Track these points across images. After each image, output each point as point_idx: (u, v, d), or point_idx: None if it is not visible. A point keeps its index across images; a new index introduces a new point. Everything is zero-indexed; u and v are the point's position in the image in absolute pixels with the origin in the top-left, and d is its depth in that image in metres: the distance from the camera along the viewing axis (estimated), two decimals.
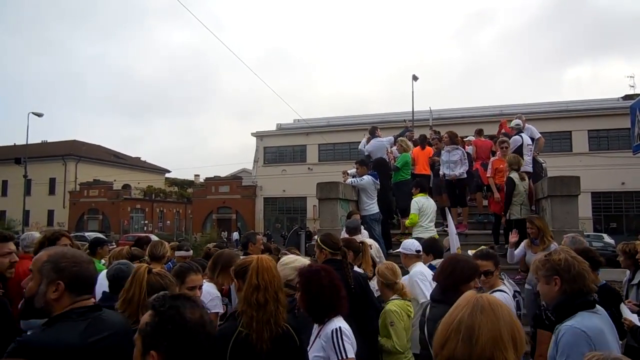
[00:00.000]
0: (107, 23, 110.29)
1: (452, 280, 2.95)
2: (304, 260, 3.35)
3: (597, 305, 2.41)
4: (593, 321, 2.27)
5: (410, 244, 4.84)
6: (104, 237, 9.13)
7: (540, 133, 10.25)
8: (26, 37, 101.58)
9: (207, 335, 1.51)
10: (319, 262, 4.09)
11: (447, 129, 10.26)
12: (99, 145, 54.40)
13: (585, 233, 25.90)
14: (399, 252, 4.89)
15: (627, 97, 32.65)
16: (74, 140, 51.21)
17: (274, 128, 42.24)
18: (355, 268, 4.34)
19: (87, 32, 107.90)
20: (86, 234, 32.39)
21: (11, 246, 3.20)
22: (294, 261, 3.20)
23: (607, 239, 23.63)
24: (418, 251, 4.77)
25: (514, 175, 7.57)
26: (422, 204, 7.62)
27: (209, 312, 2.05)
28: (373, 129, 10.61)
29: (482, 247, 4.97)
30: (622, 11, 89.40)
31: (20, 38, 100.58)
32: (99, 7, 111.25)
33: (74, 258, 1.98)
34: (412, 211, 7.70)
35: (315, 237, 13.73)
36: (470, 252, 4.33)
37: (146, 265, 2.59)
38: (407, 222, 7.93)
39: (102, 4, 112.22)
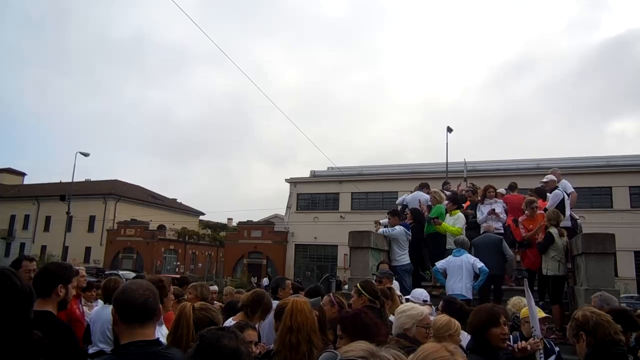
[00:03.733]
0: (151, 67, 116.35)
1: (474, 327, 3.04)
2: (422, 308, 3.34)
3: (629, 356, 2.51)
4: None
5: (419, 293, 5.06)
6: (143, 275, 9.53)
7: (579, 188, 10.12)
8: (74, 79, 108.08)
9: None
10: (354, 307, 4.16)
11: (482, 182, 10.27)
12: (138, 186, 56.25)
13: (629, 294, 24.73)
14: (408, 298, 5.02)
15: None
16: (115, 180, 53.19)
17: (307, 175, 42.82)
18: (390, 317, 4.38)
19: (131, 76, 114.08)
20: (120, 272, 33.08)
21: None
22: (410, 309, 3.19)
23: None
24: (425, 300, 4.84)
25: (554, 231, 7.49)
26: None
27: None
28: (424, 184, 10.88)
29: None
30: None
31: (68, 80, 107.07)
32: (143, 52, 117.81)
33: (127, 286, 2.13)
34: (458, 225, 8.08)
35: (345, 286, 13.66)
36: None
37: (190, 304, 2.69)
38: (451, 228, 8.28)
39: (146, 49, 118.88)
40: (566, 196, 8.99)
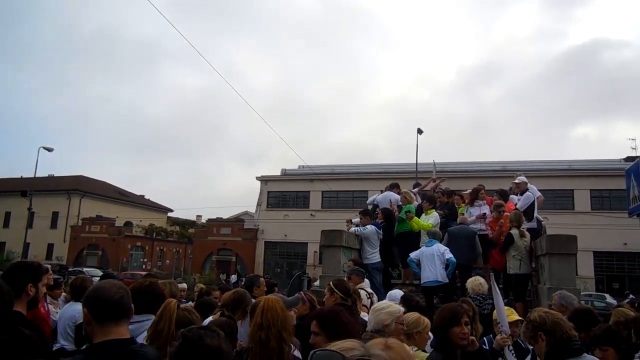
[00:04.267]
0: (119, 63, 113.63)
1: (437, 326, 3.15)
2: (398, 306, 3.43)
3: (584, 353, 2.66)
4: None
5: (394, 295, 5.09)
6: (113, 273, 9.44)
7: (543, 190, 10.44)
8: (38, 74, 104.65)
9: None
10: (327, 304, 4.23)
11: (450, 183, 10.48)
12: (104, 182, 54.91)
13: (587, 292, 25.58)
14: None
15: (628, 159, 33.11)
16: (80, 176, 51.80)
17: (278, 173, 42.76)
18: (362, 315, 4.45)
19: (98, 72, 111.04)
20: (85, 269, 32.27)
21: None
22: (388, 306, 3.31)
23: (610, 299, 23.38)
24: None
25: (514, 232, 7.76)
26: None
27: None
28: (394, 184, 11.03)
29: None
30: (629, 73, 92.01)
31: (31, 74, 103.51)
32: (111, 48, 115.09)
33: (97, 285, 2.15)
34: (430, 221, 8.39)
35: (316, 283, 13.74)
36: None
37: (175, 301, 2.72)
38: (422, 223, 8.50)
39: (114, 45, 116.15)
40: (535, 199, 9.28)
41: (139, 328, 2.96)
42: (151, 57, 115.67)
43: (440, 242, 7.91)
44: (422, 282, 7.65)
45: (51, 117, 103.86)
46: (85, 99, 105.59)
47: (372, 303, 5.79)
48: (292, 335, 2.77)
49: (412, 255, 7.90)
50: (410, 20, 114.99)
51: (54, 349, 4.00)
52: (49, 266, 5.63)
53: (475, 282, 6.27)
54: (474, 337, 3.17)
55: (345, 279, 6.73)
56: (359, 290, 5.73)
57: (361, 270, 6.81)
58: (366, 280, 7.19)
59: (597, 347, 3.05)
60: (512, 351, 3.64)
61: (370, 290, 6.20)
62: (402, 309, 3.40)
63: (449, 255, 7.52)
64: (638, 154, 33.44)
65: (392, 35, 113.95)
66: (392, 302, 4.84)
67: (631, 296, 22.22)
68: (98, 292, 2.03)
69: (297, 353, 2.88)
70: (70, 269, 31.73)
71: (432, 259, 7.54)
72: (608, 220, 29.24)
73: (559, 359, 2.62)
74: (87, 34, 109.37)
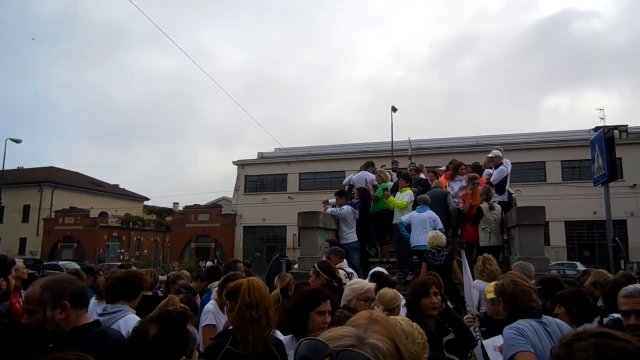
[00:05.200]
0: (85, 48, 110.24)
1: (409, 298, 3.36)
2: (365, 283, 3.55)
3: (544, 316, 2.84)
4: (523, 324, 2.72)
5: (379, 271, 5.24)
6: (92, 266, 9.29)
7: (516, 163, 10.70)
8: (3, 61, 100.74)
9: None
10: (312, 286, 4.32)
11: (426, 159, 10.64)
12: (76, 172, 53.66)
13: (559, 261, 26.35)
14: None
15: (597, 129, 33.91)
16: (51, 167, 50.54)
17: (255, 157, 42.50)
18: None
19: (64, 57, 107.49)
20: (60, 262, 31.73)
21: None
22: (353, 283, 3.42)
23: (580, 267, 24.18)
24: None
25: (483, 205, 7.98)
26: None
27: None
28: (369, 163, 11.16)
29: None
30: (599, 43, 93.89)
31: None
32: (76, 32, 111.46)
33: (67, 279, 2.26)
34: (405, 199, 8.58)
35: (295, 265, 13.82)
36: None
37: (179, 297, 2.88)
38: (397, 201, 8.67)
39: (78, 28, 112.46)
40: (509, 173, 9.50)
41: (111, 319, 2.96)
42: (118, 41, 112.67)
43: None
44: (412, 245, 7.91)
45: (16, 106, 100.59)
46: (51, 86, 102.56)
47: None
48: (274, 314, 2.83)
49: (403, 218, 8.18)
50: None
51: None
52: (21, 260, 5.55)
53: (431, 235, 6.78)
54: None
55: (324, 259, 6.84)
56: (339, 269, 5.88)
57: (340, 250, 6.88)
58: (344, 259, 7.30)
59: (557, 304, 3.27)
60: (478, 332, 3.66)
61: (350, 270, 6.30)
62: (369, 286, 3.47)
63: (440, 225, 7.86)
64: (606, 124, 34.33)
65: (366, 11, 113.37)
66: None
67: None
68: (72, 283, 2.28)
69: (278, 334, 2.93)
70: (45, 263, 31.17)
71: (424, 224, 7.83)
72: (578, 190, 30.02)
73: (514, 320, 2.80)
74: (50, 17, 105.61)
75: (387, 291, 4.05)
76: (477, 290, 5.30)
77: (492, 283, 3.77)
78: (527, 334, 2.61)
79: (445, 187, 9.69)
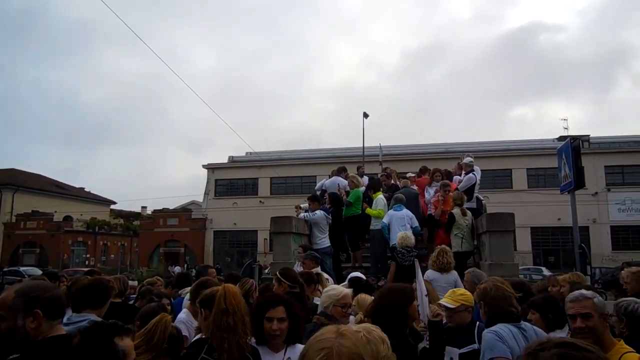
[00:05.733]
0: (49, 45, 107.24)
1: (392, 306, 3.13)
2: (341, 289, 3.49)
3: (522, 322, 2.91)
4: (503, 328, 2.76)
5: (357, 276, 5.33)
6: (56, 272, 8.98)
7: (484, 170, 10.93)
8: None
9: None
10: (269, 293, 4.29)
11: (396, 165, 10.77)
12: (39, 175, 51.90)
13: (525, 266, 27.01)
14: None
15: (561, 138, 35.03)
16: (12, 169, 48.73)
17: (225, 160, 42.11)
18: (316, 299, 4.52)
19: (28, 54, 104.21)
20: (22, 268, 30.63)
21: None
22: (330, 289, 3.37)
23: (546, 272, 24.82)
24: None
25: (455, 211, 8.10)
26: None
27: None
28: (341, 168, 11.33)
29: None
30: (564, 56, 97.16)
31: None
32: (39, 28, 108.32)
33: (42, 286, 2.14)
34: (379, 207, 8.75)
35: (266, 270, 13.72)
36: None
37: (169, 316, 2.77)
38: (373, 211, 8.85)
39: (42, 25, 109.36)
40: (478, 180, 9.70)
41: (75, 329, 2.86)
42: (86, 40, 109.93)
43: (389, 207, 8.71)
44: (392, 243, 7.98)
45: None
46: (14, 84, 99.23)
47: None
48: (249, 321, 2.78)
49: (384, 220, 8.42)
50: (357, 2, 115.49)
51: None
52: None
53: (401, 236, 7.01)
54: None
55: (298, 264, 6.83)
56: (320, 273, 5.94)
57: (315, 255, 6.91)
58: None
59: (530, 310, 3.33)
60: (427, 341, 3.41)
61: (326, 276, 6.34)
62: (346, 291, 3.44)
63: (416, 223, 8.38)
64: (569, 134, 35.46)
65: (339, 18, 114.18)
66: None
67: None
68: (48, 291, 2.15)
69: (252, 341, 2.89)
70: (5, 269, 30.01)
71: (403, 222, 8.17)
72: (543, 197, 30.91)
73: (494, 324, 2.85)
74: (13, 13, 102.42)
75: (365, 297, 4.04)
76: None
77: (438, 302, 3.65)
78: (506, 338, 2.66)
79: (423, 192, 9.91)
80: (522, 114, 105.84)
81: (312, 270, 6.10)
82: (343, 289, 3.56)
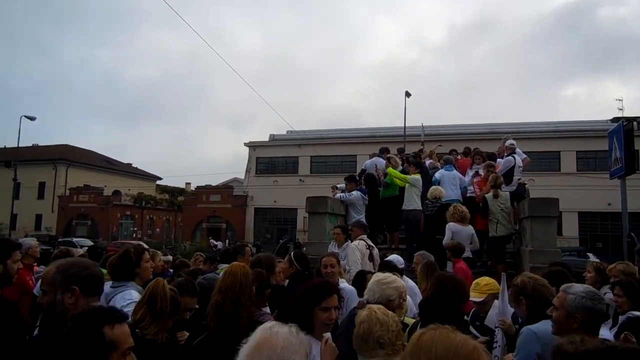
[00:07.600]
0: (100, 27, 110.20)
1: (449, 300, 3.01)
2: (401, 282, 3.25)
3: None
4: (546, 326, 2.54)
5: (395, 259, 5.20)
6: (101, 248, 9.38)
7: (530, 152, 10.53)
8: (16, 41, 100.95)
9: None
10: (283, 275, 4.44)
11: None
12: (90, 151, 54.23)
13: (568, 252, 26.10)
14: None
15: (615, 120, 33.18)
16: (66, 145, 51.06)
17: (266, 139, 42.47)
18: (341, 281, 4.47)
19: (78, 36, 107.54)
20: (74, 239, 32.23)
21: (18, 254, 3.41)
22: (393, 281, 3.13)
23: (593, 258, 23.93)
24: (402, 266, 5.04)
25: (488, 196, 7.94)
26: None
27: None
28: (383, 149, 11.27)
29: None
30: (625, 29, 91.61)
31: (8, 41, 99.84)
32: (90, 11, 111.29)
33: (82, 263, 2.23)
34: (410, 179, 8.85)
35: (304, 249, 13.88)
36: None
37: (164, 280, 2.80)
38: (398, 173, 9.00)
39: (93, 7, 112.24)
40: (520, 162, 9.34)
41: (111, 294, 3.04)
42: (129, 19, 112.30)
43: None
44: (444, 199, 8.12)
45: (30, 84, 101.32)
46: (64, 64, 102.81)
47: (371, 255, 6.00)
48: (253, 301, 2.81)
49: (437, 175, 9.22)
50: None
51: None
52: (34, 239, 5.63)
53: (433, 189, 8.05)
54: None
55: (333, 244, 6.82)
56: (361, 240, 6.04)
57: (364, 224, 6.95)
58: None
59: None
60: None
61: (370, 243, 6.27)
62: (404, 283, 3.30)
63: (465, 183, 9.26)
64: (624, 115, 33.62)
65: None
66: (397, 263, 4.96)
67: None
68: (87, 268, 2.24)
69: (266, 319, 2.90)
70: (60, 240, 31.70)
71: (454, 181, 8.96)
72: (593, 181, 29.59)
73: (537, 320, 2.68)
74: None
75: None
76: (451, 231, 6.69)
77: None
78: (545, 342, 2.38)
79: (465, 173, 9.77)
80: (575, 93, 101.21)
81: (358, 237, 6.14)
82: (401, 280, 3.33)
